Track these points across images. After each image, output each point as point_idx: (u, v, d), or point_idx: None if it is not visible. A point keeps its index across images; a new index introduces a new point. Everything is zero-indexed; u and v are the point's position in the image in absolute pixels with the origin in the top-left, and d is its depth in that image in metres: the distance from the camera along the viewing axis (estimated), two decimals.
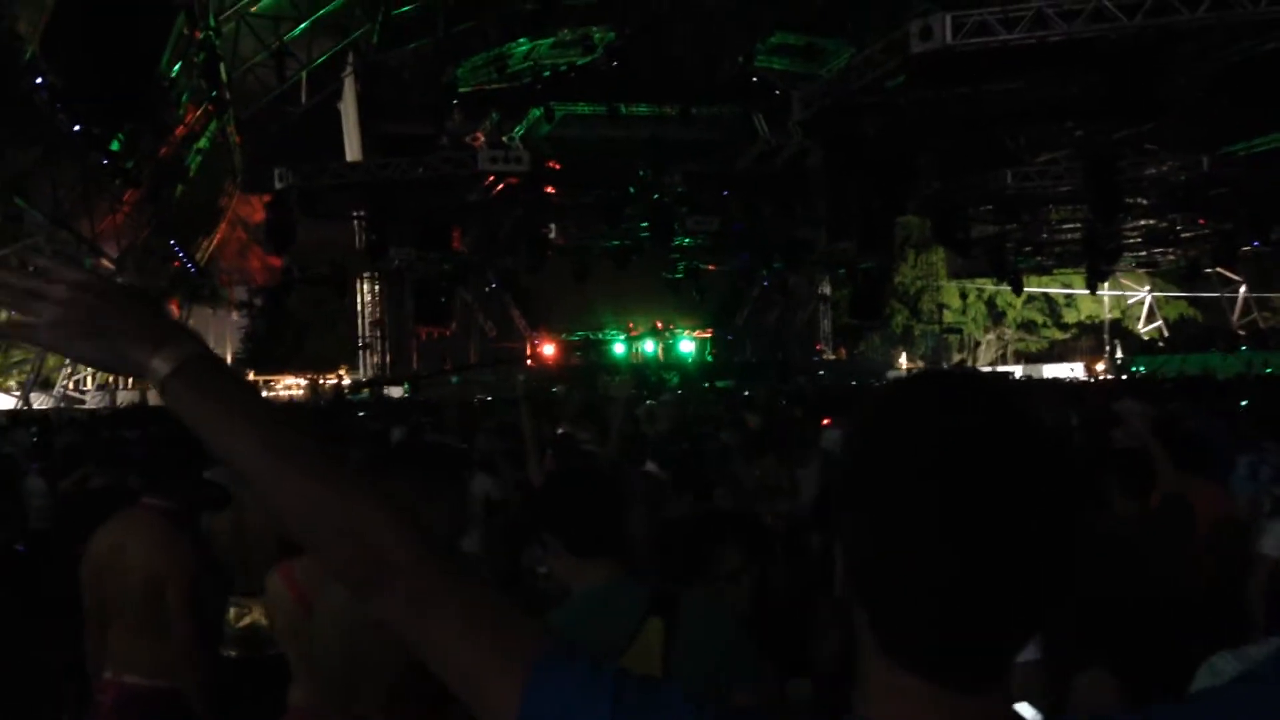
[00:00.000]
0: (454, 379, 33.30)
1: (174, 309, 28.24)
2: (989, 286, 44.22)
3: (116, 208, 24.44)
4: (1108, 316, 46.82)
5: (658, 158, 31.24)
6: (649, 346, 38.05)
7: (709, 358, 38.01)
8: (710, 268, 38.03)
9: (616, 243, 32.86)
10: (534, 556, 4.16)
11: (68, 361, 27.85)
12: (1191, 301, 44.12)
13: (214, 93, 24.08)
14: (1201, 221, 31.13)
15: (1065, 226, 32.78)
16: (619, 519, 2.53)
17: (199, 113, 25.55)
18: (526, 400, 4.76)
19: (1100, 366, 42.04)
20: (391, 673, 2.51)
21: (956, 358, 48.56)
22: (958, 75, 19.66)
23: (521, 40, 30.49)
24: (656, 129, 32.30)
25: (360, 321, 39.74)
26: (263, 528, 4.60)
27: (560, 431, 7.15)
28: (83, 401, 28.51)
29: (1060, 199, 29.29)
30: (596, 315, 38.31)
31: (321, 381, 39.46)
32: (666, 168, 31.52)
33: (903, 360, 47.77)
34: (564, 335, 39.03)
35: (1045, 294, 46.78)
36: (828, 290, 43.32)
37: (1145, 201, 28.52)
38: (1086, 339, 47.74)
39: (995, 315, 48.78)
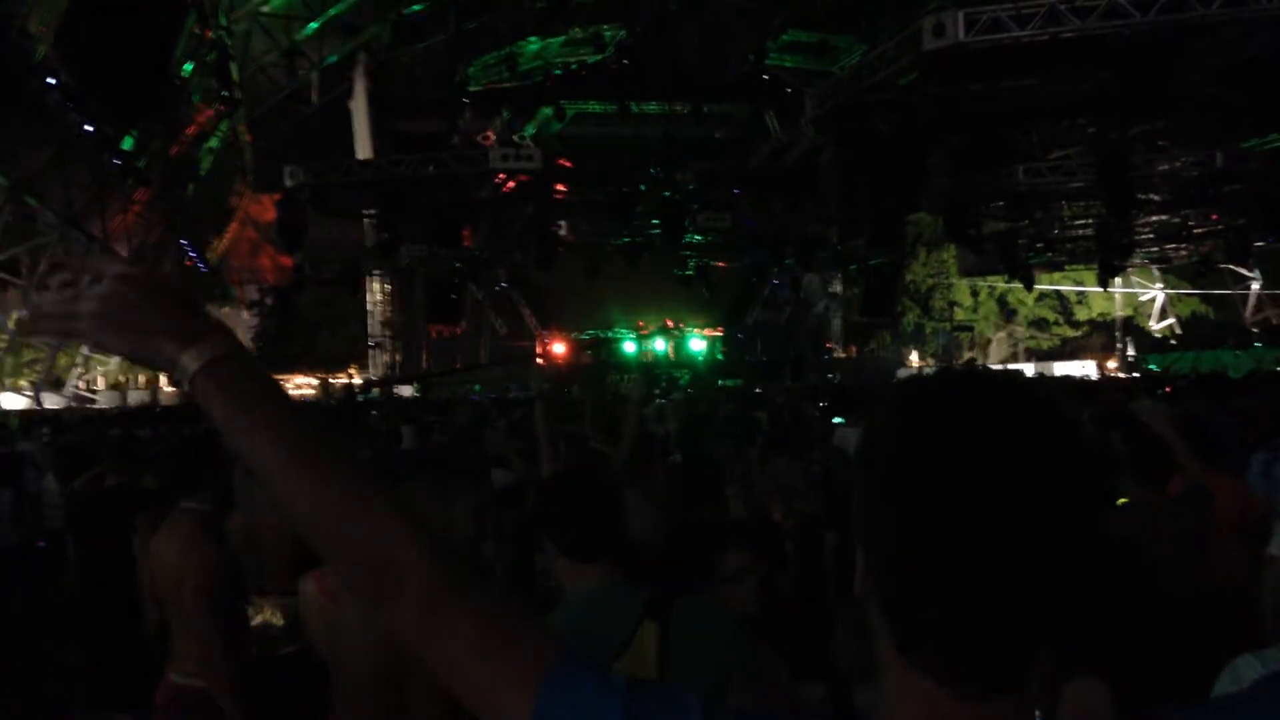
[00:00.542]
0: (476, 387, 33.26)
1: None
2: (1000, 284, 44.09)
3: (128, 207, 24.52)
4: (1120, 314, 46.64)
5: (669, 156, 31.23)
6: (659, 345, 38.05)
7: (719, 356, 38.00)
8: (721, 265, 38.02)
9: (627, 239, 32.86)
10: (546, 558, 4.17)
11: (79, 361, 27.99)
12: (1204, 298, 43.90)
13: (225, 92, 24.14)
14: (1214, 217, 30.99)
15: (1077, 223, 32.67)
16: (615, 524, 2.51)
17: (210, 112, 25.62)
18: (541, 398, 4.74)
19: (1112, 364, 41.91)
20: (408, 682, 2.54)
21: (968, 355, 48.46)
22: (970, 72, 19.60)
23: (532, 39, 30.51)
24: (667, 127, 32.32)
25: (371, 321, 39.82)
26: (276, 528, 4.65)
27: (570, 430, 7.16)
28: (94, 401, 28.60)
29: (1072, 195, 29.18)
30: (607, 314, 38.33)
31: (332, 381, 39.56)
32: (678, 166, 31.50)
33: (914, 358, 47.68)
34: (574, 333, 39.08)
35: (1057, 291, 46.61)
36: (838, 288, 43.26)
37: (1158, 197, 28.41)
38: (1098, 336, 47.56)
39: (1007, 313, 48.63)
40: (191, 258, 29.17)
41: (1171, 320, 45.04)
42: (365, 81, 32.67)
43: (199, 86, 23.91)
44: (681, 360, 36.58)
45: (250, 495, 5.01)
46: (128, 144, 20.20)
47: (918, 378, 1.02)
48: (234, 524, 4.98)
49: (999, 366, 41.23)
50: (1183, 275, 42.42)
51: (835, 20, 27.52)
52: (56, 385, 27.58)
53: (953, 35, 17.60)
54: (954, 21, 17.57)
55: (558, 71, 31.99)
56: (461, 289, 35.95)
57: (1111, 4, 16.84)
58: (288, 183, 26.23)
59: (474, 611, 1.02)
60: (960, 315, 47.54)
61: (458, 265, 33.98)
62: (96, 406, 26.72)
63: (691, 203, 31.44)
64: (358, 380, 37.48)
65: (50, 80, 17.06)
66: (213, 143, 27.23)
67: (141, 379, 33.23)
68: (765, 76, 29.92)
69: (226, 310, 39.50)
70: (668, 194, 30.87)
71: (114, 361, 28.91)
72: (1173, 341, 37.13)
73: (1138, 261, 38.33)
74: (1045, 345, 48.74)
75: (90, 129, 18.64)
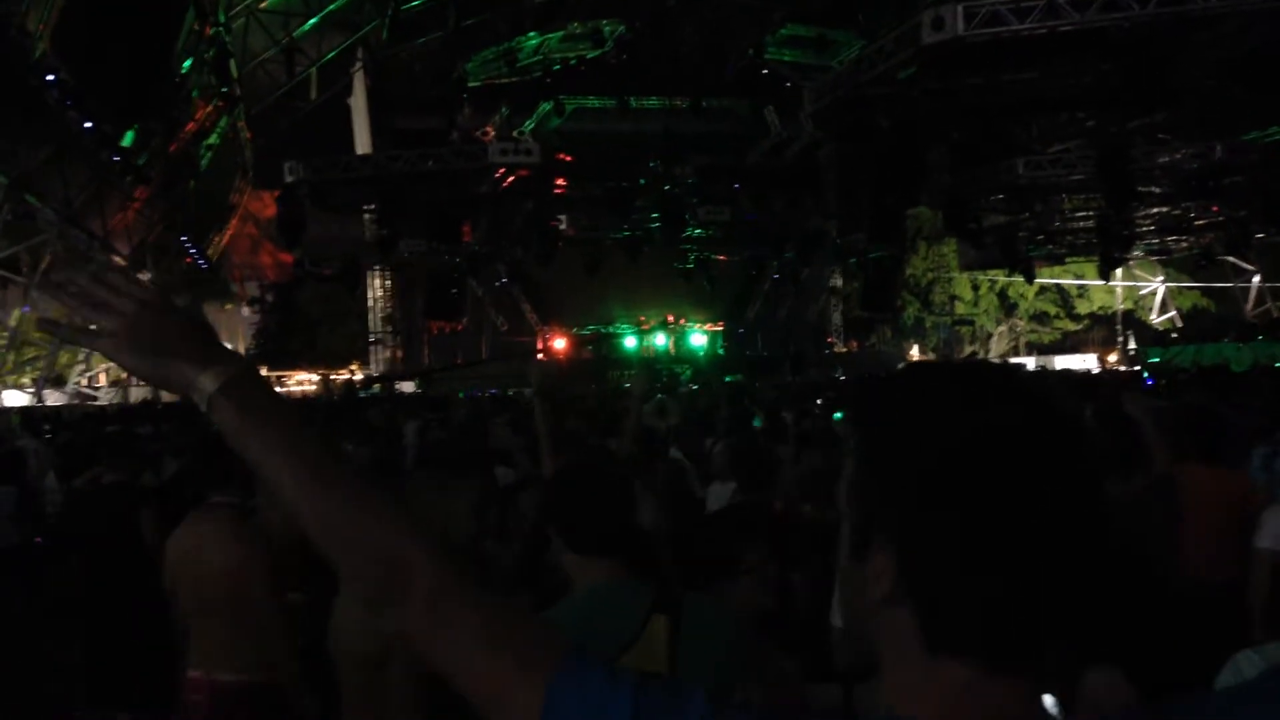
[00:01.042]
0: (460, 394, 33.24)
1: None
2: (1001, 278, 44.05)
3: (128, 205, 24.51)
4: (1120, 307, 46.61)
5: (668, 151, 31.22)
6: (660, 340, 38.05)
7: (720, 351, 38.00)
8: (721, 258, 38.00)
9: (627, 232, 32.84)
10: (555, 554, 4.16)
11: (80, 359, 27.99)
12: (1204, 291, 43.89)
13: (224, 89, 24.10)
14: (1215, 209, 31.00)
15: (1078, 215, 32.69)
16: (623, 519, 2.52)
17: (209, 109, 25.58)
18: (541, 396, 4.73)
19: (1113, 357, 41.90)
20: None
21: (968, 349, 48.45)
22: (970, 66, 19.58)
23: (531, 34, 30.45)
24: (667, 122, 32.29)
25: (371, 317, 39.81)
26: (283, 525, 4.64)
27: (571, 427, 7.17)
28: (95, 398, 28.60)
29: (1073, 188, 29.20)
30: (607, 309, 38.32)
31: (333, 377, 39.54)
32: (677, 160, 31.48)
33: (914, 352, 47.65)
34: (575, 329, 39.08)
35: (1058, 285, 46.59)
36: (839, 283, 43.23)
37: (1158, 190, 28.42)
38: (1099, 330, 47.54)
39: (1007, 307, 48.61)
40: (191, 255, 29.14)
41: (1172, 313, 45.00)
42: (364, 78, 32.65)
43: (198, 83, 23.86)
44: (682, 355, 36.58)
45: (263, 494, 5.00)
46: (127, 141, 20.16)
47: (908, 368, 1.03)
48: None
49: (999, 360, 41.27)
50: (1183, 268, 42.39)
51: (834, 15, 27.48)
52: (58, 383, 27.58)
53: (952, 29, 17.58)
54: (953, 15, 17.56)
55: (557, 67, 31.92)
56: (462, 285, 35.94)
57: None
58: (287, 179, 26.23)
59: (479, 610, 1.05)
60: (961, 309, 47.53)
61: (457, 261, 33.97)
62: (98, 404, 26.73)
63: (691, 197, 31.43)
64: (359, 377, 37.47)
65: (49, 78, 17.03)
66: (212, 139, 27.17)
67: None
68: (764, 71, 29.85)
69: (229, 307, 39.56)
70: (667, 188, 30.85)
71: None
72: (1174, 335, 37.04)
73: (1138, 254, 38.34)
74: (1046, 339, 48.73)
75: (90, 126, 18.62)
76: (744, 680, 2.32)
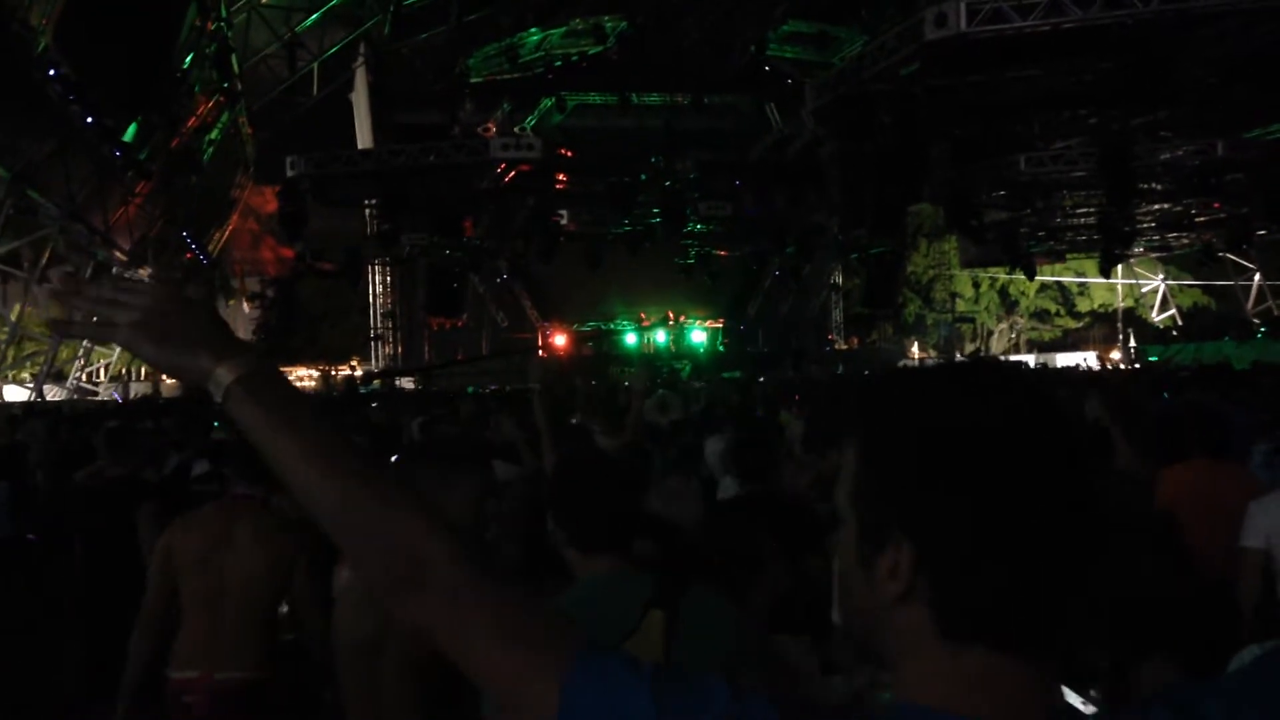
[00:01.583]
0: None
1: None
2: (1002, 275, 44.07)
3: (129, 199, 24.48)
4: (1121, 305, 46.62)
5: (670, 147, 31.19)
6: (660, 337, 38.05)
7: (720, 348, 38.00)
8: (722, 254, 37.99)
9: (628, 228, 32.83)
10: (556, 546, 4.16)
11: (80, 354, 27.98)
12: (1205, 289, 43.90)
13: (226, 84, 24.09)
14: (1216, 206, 30.98)
15: (1079, 212, 32.67)
16: (623, 514, 2.53)
17: (211, 104, 25.56)
18: (541, 391, 4.74)
19: (1115, 355, 41.90)
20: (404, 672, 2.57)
21: (969, 347, 48.46)
22: (972, 63, 19.56)
23: (533, 30, 30.43)
24: (668, 118, 32.27)
25: (372, 313, 39.82)
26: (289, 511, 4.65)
27: (574, 421, 7.16)
28: (95, 393, 28.60)
29: (1074, 185, 29.19)
30: (608, 305, 38.33)
31: (334, 373, 39.57)
32: (679, 156, 31.46)
33: (915, 349, 47.68)
34: (575, 325, 39.08)
35: (1059, 282, 46.60)
36: (840, 279, 43.21)
37: (1159, 187, 28.42)
38: (1100, 327, 47.57)
39: (1008, 304, 48.64)
40: (192, 250, 29.14)
41: (1173, 311, 45.01)
42: (366, 74, 32.61)
43: (200, 78, 23.84)
44: (683, 352, 36.59)
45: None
46: (129, 136, 20.14)
47: (909, 368, 1.05)
48: None
49: (1000, 357, 41.28)
50: (1184, 266, 42.39)
51: (836, 11, 27.47)
52: (58, 378, 27.56)
53: (954, 25, 17.58)
54: (955, 12, 17.55)
55: (559, 63, 31.91)
56: (462, 281, 35.93)
57: None
58: (289, 173, 26.23)
59: (495, 601, 1.05)
60: (962, 306, 47.54)
61: (459, 256, 33.97)
62: (98, 399, 26.72)
63: (692, 192, 31.40)
64: (359, 372, 37.51)
65: (52, 73, 17.02)
66: (214, 135, 27.15)
67: (143, 371, 33.22)
68: (766, 68, 29.83)
69: (230, 303, 39.54)
70: (669, 184, 30.82)
71: (116, 354, 28.90)
72: (1174, 333, 37.05)
73: (1139, 251, 38.33)
74: (1047, 336, 48.77)
75: (92, 121, 18.61)
76: (747, 672, 2.32)
